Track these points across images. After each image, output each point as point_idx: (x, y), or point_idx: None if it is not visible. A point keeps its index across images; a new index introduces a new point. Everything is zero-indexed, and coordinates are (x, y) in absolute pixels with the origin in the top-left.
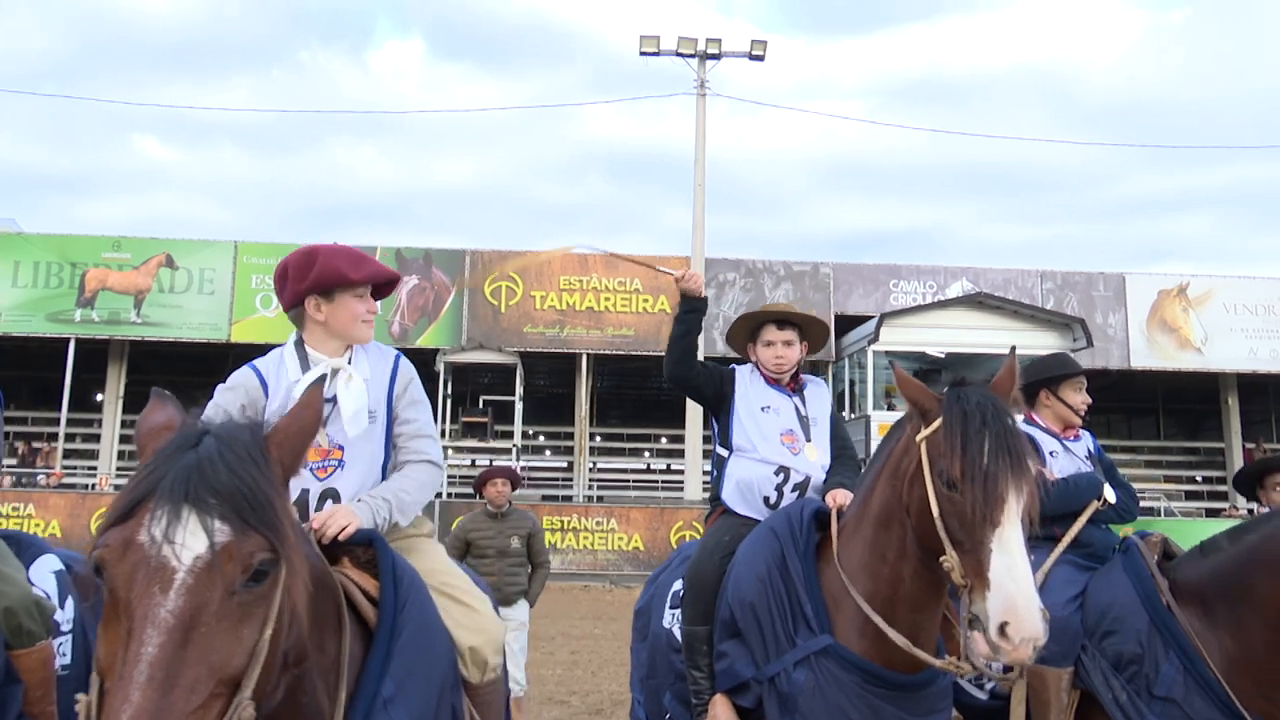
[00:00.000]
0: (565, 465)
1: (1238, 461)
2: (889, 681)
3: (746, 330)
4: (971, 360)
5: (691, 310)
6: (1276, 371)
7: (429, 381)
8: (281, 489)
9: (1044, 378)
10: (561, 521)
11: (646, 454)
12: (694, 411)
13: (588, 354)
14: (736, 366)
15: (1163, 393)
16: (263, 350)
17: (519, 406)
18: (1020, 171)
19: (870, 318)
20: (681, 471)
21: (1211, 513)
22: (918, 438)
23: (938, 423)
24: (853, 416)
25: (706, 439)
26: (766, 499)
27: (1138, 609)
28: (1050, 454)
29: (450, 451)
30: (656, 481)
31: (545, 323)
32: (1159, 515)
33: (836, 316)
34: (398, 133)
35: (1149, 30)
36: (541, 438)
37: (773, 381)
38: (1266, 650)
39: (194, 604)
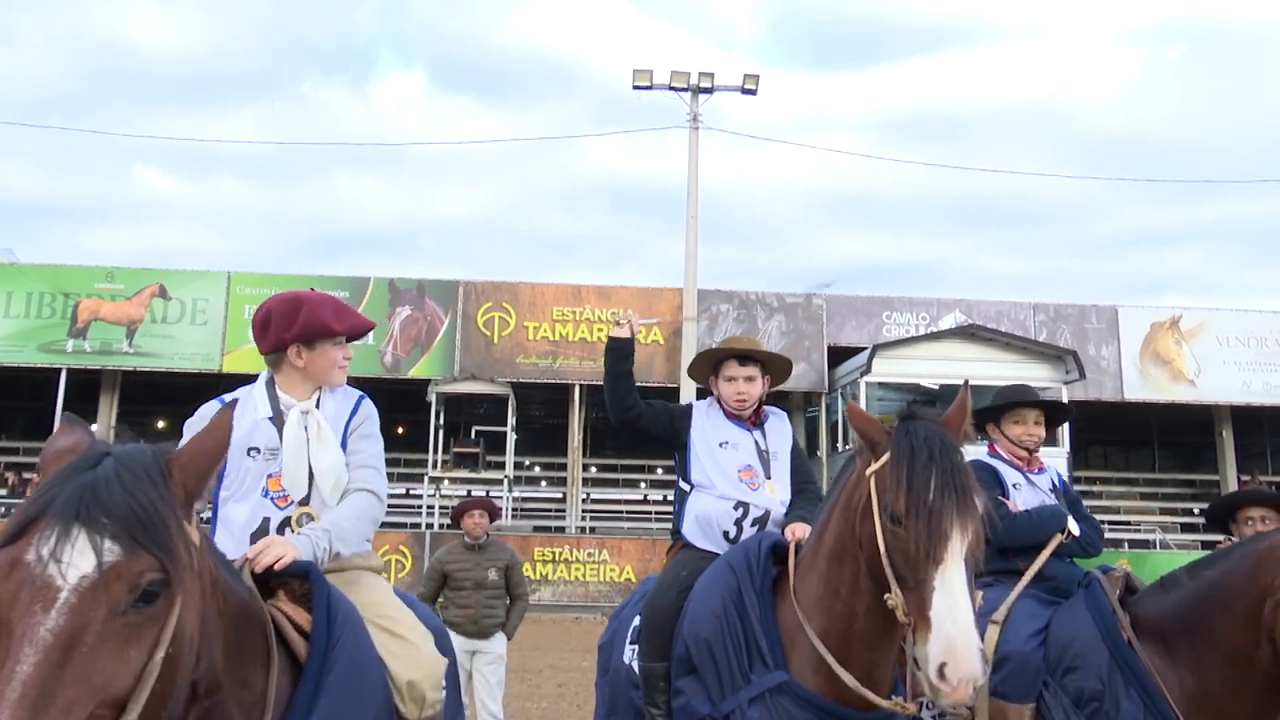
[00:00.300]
0: (559, 496)
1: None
2: (844, 719)
3: (709, 364)
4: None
5: (611, 350)
6: (1270, 404)
7: (421, 412)
8: (180, 510)
9: (985, 408)
10: (553, 553)
11: (642, 485)
12: None
13: (580, 384)
14: (695, 402)
15: (1159, 425)
16: (247, 379)
17: (511, 437)
18: (1017, 205)
19: (863, 349)
20: (668, 502)
21: (1207, 545)
22: (867, 472)
23: (886, 457)
24: (846, 449)
25: None
26: (726, 534)
27: (1099, 645)
28: (1014, 486)
29: (444, 482)
30: (650, 513)
31: (538, 354)
32: (1155, 547)
33: (829, 348)
34: (400, 165)
35: (1145, 67)
36: (536, 468)
37: (733, 416)
38: (1224, 687)
39: (76, 623)
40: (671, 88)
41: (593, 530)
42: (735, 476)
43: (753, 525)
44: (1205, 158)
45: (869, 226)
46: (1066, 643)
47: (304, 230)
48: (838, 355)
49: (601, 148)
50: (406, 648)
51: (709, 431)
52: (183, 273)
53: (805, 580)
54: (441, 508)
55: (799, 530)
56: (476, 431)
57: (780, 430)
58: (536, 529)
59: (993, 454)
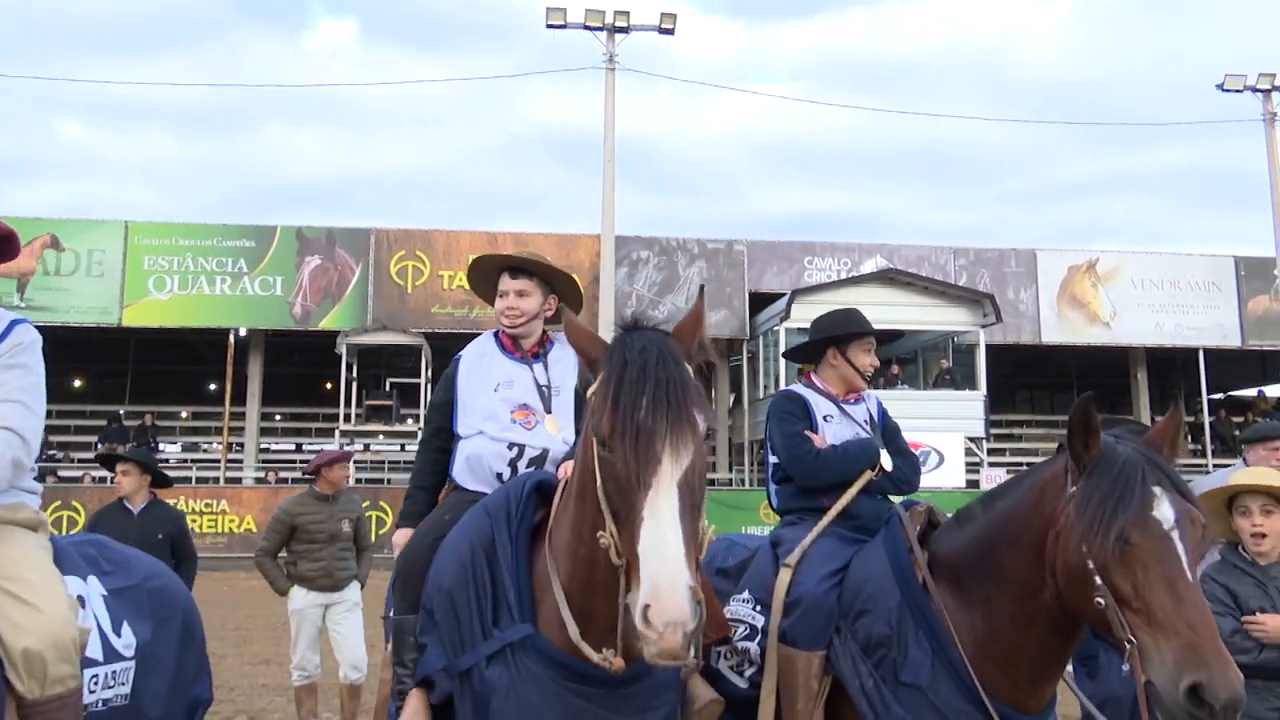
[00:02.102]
0: None
1: None
2: (590, 678)
3: (485, 281)
4: (890, 336)
5: None
6: (1182, 345)
7: (332, 366)
8: None
9: (832, 335)
10: None
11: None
12: None
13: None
14: (468, 347)
15: (1078, 368)
16: (158, 334)
17: (425, 389)
18: (956, 155)
19: (784, 295)
20: None
21: None
22: (589, 393)
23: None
24: (769, 394)
25: None
26: (499, 475)
27: (890, 586)
28: (825, 418)
29: (355, 437)
30: None
31: (454, 303)
32: None
33: (751, 294)
34: (335, 115)
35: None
36: None
37: (511, 350)
38: (1012, 627)
39: None
40: (586, 27)
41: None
42: (508, 420)
43: (529, 466)
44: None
45: (808, 176)
46: (860, 584)
47: (238, 184)
48: (760, 301)
49: (543, 99)
50: (29, 613)
51: (482, 375)
52: (76, 222)
53: (559, 523)
54: (356, 463)
55: (569, 468)
56: (391, 384)
57: (564, 362)
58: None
59: (808, 383)
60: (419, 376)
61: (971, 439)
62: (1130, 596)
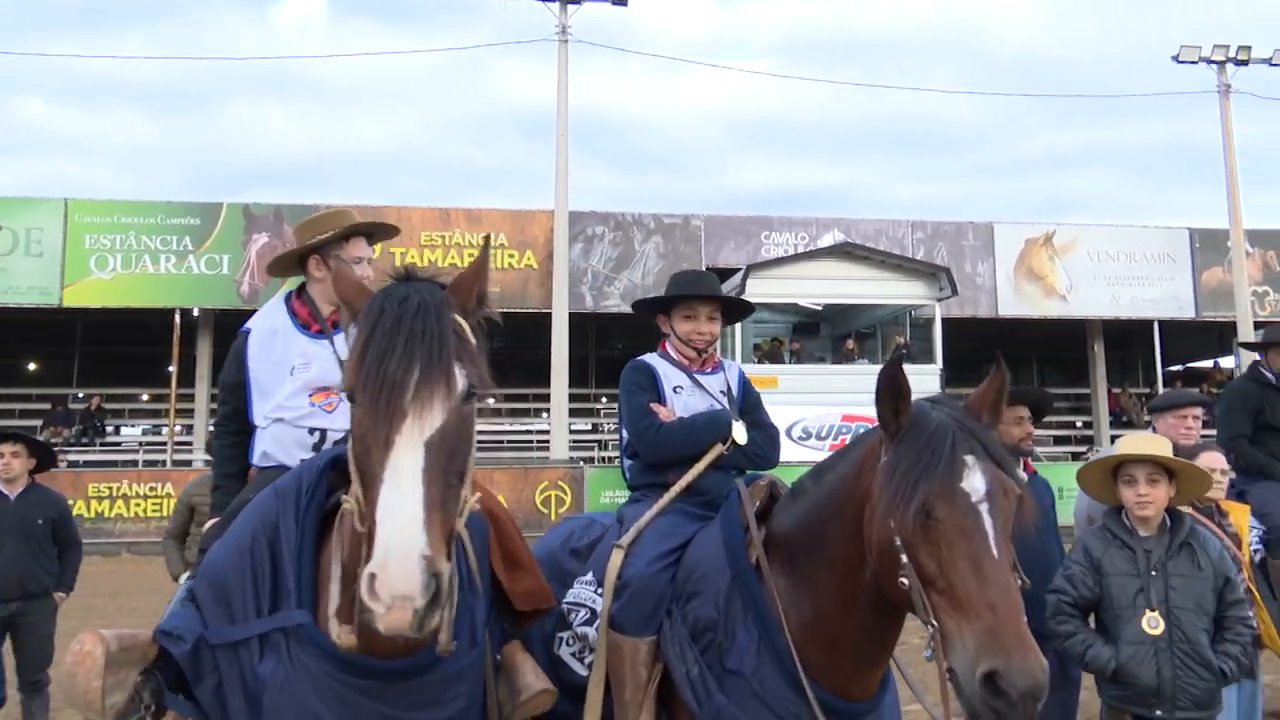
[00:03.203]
0: None
1: (1103, 406)
2: (369, 670)
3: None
4: (848, 311)
5: None
6: (1138, 318)
7: None
8: None
9: (656, 301)
10: None
11: (531, 414)
12: (560, 367)
13: None
14: (254, 325)
15: (1038, 341)
16: (108, 314)
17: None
18: (930, 129)
19: (741, 270)
20: (548, 431)
21: (1076, 456)
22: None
23: None
24: None
25: (573, 398)
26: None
27: (722, 567)
28: (675, 389)
29: None
30: (531, 442)
31: None
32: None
33: (708, 269)
34: (304, 93)
35: None
36: None
37: (307, 322)
38: (836, 610)
39: None
40: None
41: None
42: (306, 404)
43: None
44: (1111, 80)
45: (782, 152)
46: (693, 565)
47: (206, 163)
48: (717, 277)
49: (515, 76)
50: None
51: (276, 356)
52: (13, 200)
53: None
54: None
55: None
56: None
57: None
58: None
59: (662, 353)
60: None
61: None
62: (935, 576)
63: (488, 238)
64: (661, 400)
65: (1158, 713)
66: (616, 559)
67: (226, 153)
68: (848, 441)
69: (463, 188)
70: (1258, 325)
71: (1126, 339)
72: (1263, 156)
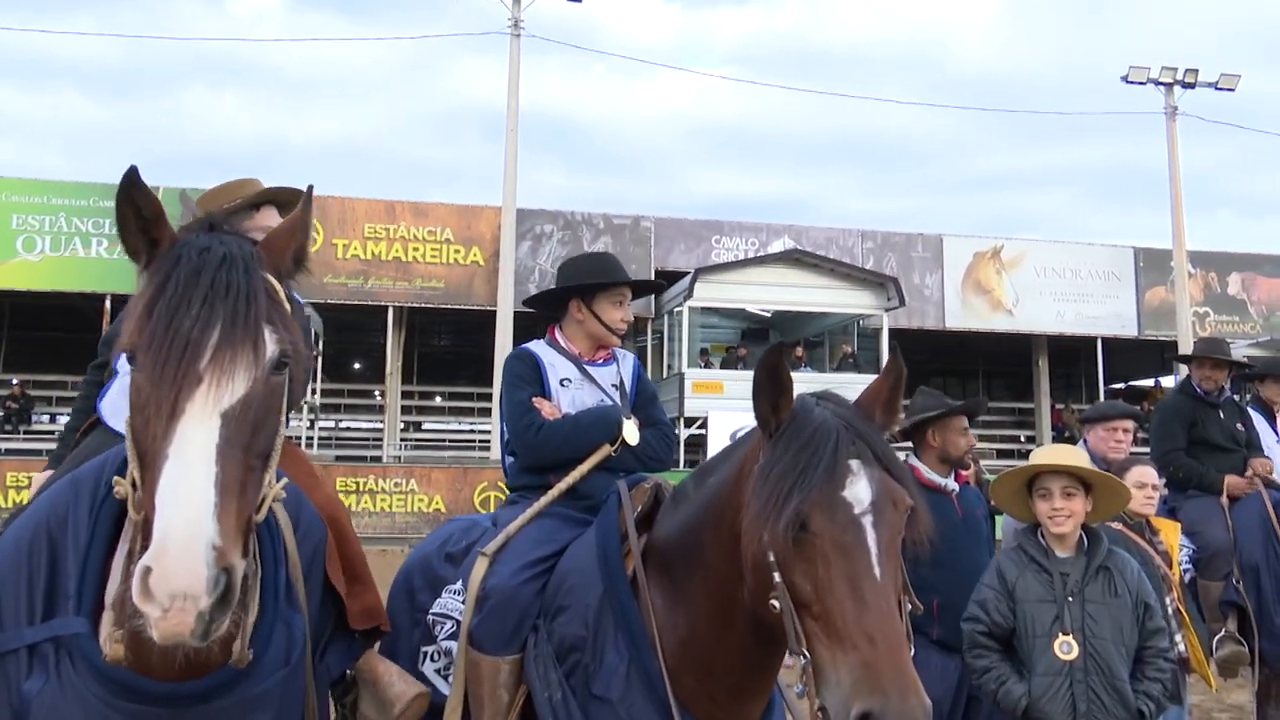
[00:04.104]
0: (379, 425)
1: (1046, 421)
2: (147, 694)
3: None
4: (797, 318)
5: None
6: (1082, 334)
7: None
8: None
9: (575, 285)
10: (358, 483)
11: (476, 414)
12: (500, 366)
13: (395, 306)
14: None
15: (985, 355)
16: (28, 298)
17: (313, 363)
18: (889, 143)
19: (690, 274)
20: (488, 431)
21: None
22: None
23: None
24: (668, 375)
25: None
26: None
27: (593, 579)
28: (561, 382)
29: None
30: (474, 443)
31: (348, 273)
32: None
33: (657, 271)
34: (260, 82)
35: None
36: (347, 395)
37: None
38: (710, 632)
39: None
40: None
41: (399, 460)
42: None
43: None
44: (1068, 99)
45: (741, 161)
46: (564, 576)
47: (155, 149)
48: (667, 280)
49: (475, 72)
50: None
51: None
52: None
53: None
54: None
55: None
56: None
57: None
58: (339, 459)
59: (550, 340)
60: (313, 350)
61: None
62: (810, 599)
63: (310, 188)
64: (546, 394)
65: None
66: (480, 567)
67: (177, 140)
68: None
69: (419, 185)
70: None
71: (1071, 355)
72: (1208, 180)
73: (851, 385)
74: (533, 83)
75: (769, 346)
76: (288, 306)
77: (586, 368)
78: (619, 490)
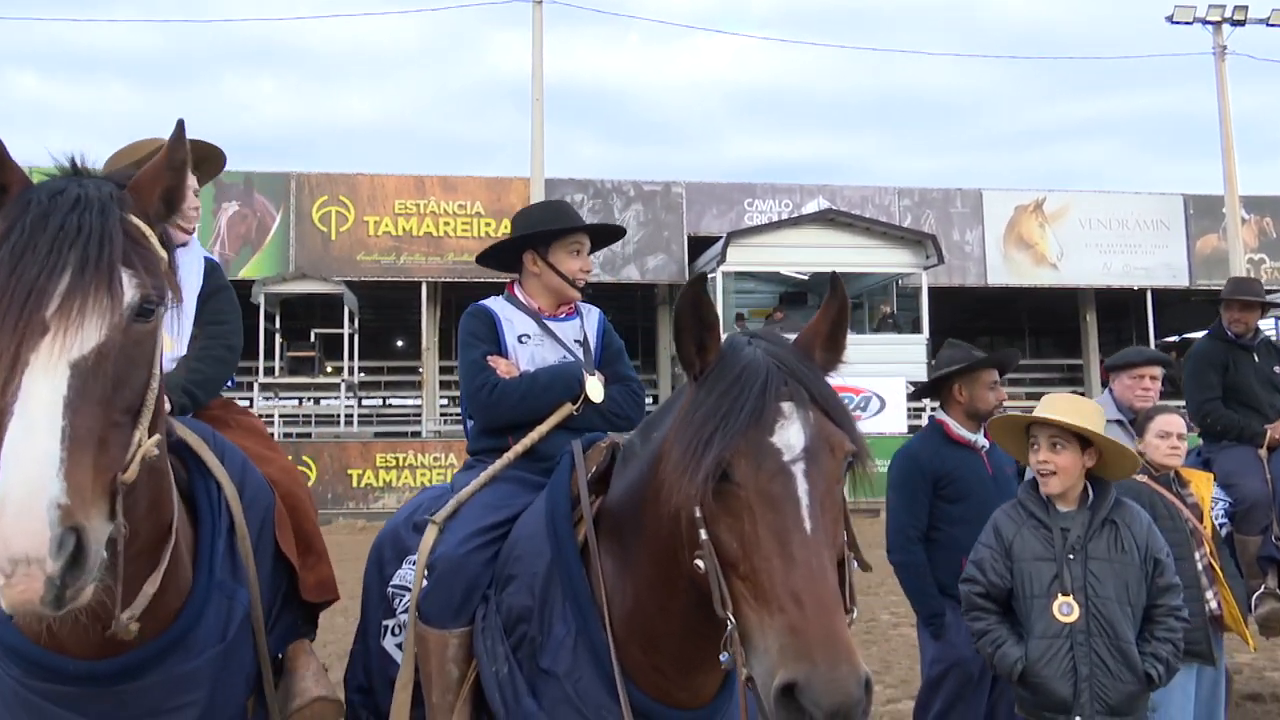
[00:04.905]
0: (419, 402)
1: (1096, 377)
2: (63, 674)
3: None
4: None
5: None
6: (1129, 286)
7: (250, 316)
8: None
9: (527, 236)
10: (397, 459)
11: None
12: None
13: (428, 282)
14: None
15: (1030, 311)
16: None
17: (349, 340)
18: (928, 101)
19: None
20: None
21: None
22: None
23: None
24: None
25: None
26: None
27: (542, 545)
28: (520, 339)
29: (276, 390)
30: None
31: (380, 250)
32: None
33: (690, 238)
34: (296, 66)
35: None
36: (387, 373)
37: None
38: (653, 599)
39: None
40: None
41: (439, 435)
42: None
43: None
44: (1113, 50)
45: (779, 124)
46: (514, 543)
47: (196, 135)
48: (699, 245)
49: (508, 47)
50: None
51: None
52: None
53: None
54: (283, 416)
55: None
56: (315, 334)
57: (186, 266)
58: (378, 435)
59: (509, 296)
60: (342, 327)
61: (914, 384)
62: (737, 557)
63: (180, 122)
64: (502, 351)
65: (1077, 718)
66: (430, 536)
67: (218, 125)
68: None
69: (456, 161)
70: None
71: (1120, 308)
72: (1260, 125)
73: (891, 345)
74: (567, 54)
75: (690, 279)
76: (160, 251)
77: (547, 322)
78: (572, 450)
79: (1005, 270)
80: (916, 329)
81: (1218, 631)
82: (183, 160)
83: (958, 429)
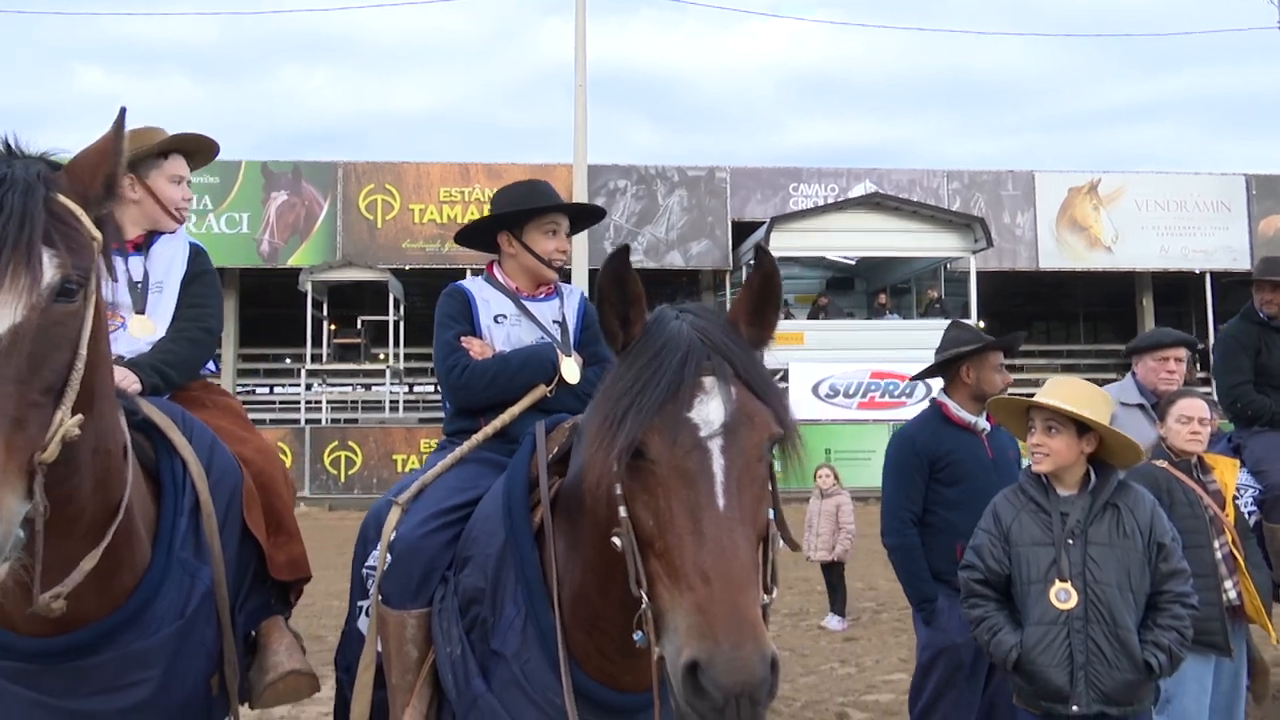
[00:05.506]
0: None
1: None
2: (12, 649)
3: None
4: (882, 265)
5: None
6: (1188, 269)
7: (298, 307)
8: None
9: (499, 215)
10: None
11: None
12: None
13: (472, 269)
14: None
15: (1084, 296)
16: None
17: (394, 327)
18: (987, 84)
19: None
20: None
21: None
22: None
23: None
24: None
25: None
26: None
27: (497, 526)
28: (496, 319)
29: (324, 377)
30: None
31: (426, 238)
32: None
33: (734, 223)
34: (351, 56)
35: None
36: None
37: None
38: (594, 580)
39: None
40: None
41: None
42: None
43: None
44: (1174, 23)
45: (831, 109)
46: (473, 525)
47: (253, 126)
48: (744, 231)
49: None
50: None
51: None
52: None
53: None
54: (331, 402)
55: None
56: (362, 322)
57: (171, 253)
58: (422, 421)
59: (488, 277)
60: (388, 314)
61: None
62: (652, 535)
63: (122, 109)
64: (476, 332)
65: (1075, 708)
66: (393, 517)
67: (276, 118)
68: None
69: (508, 151)
70: None
71: (1178, 293)
72: None
73: (939, 331)
74: (620, 41)
75: (614, 249)
76: (92, 232)
77: (524, 303)
78: (534, 431)
79: (1058, 254)
80: (965, 314)
81: (1238, 622)
82: (121, 148)
83: (958, 411)
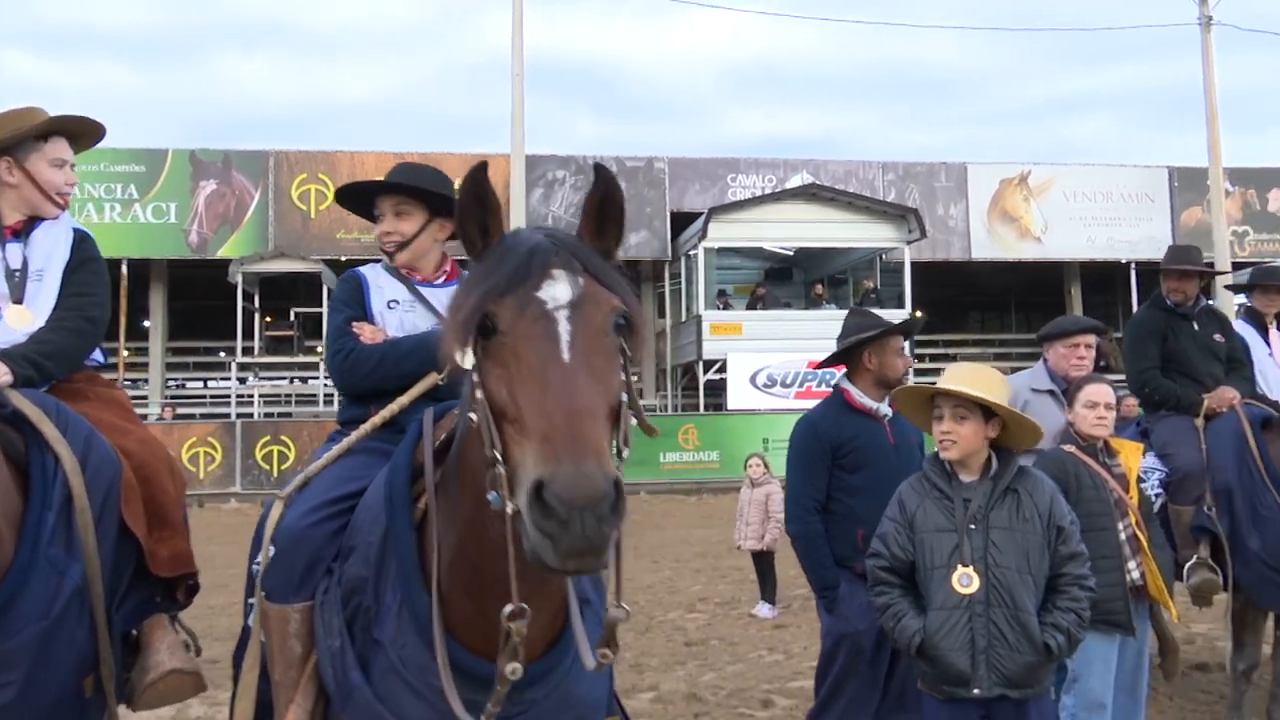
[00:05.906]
0: None
1: None
2: None
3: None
4: (820, 255)
5: None
6: (1114, 259)
7: (229, 299)
8: None
9: (366, 184)
10: None
11: None
12: None
13: None
14: None
15: (1014, 286)
16: None
17: (328, 319)
18: (925, 76)
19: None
20: None
21: None
22: None
23: None
24: (686, 318)
25: None
26: None
27: (379, 514)
28: (389, 304)
29: (256, 370)
30: None
31: (361, 228)
32: None
33: (673, 214)
34: (291, 44)
35: None
36: None
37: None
38: (471, 532)
39: None
40: None
41: None
42: None
43: None
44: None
45: (771, 100)
46: (359, 513)
47: (188, 114)
48: (682, 221)
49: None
50: None
51: None
52: None
53: None
54: (263, 396)
55: None
56: (295, 314)
57: (54, 238)
58: None
59: (387, 263)
60: (322, 305)
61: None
62: (505, 401)
63: None
64: (368, 316)
65: (976, 691)
66: (275, 513)
67: (213, 105)
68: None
69: (449, 139)
70: (1236, 266)
71: (1105, 282)
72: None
73: None
74: (561, 31)
75: (474, 167)
76: None
77: (420, 288)
78: (421, 420)
79: (989, 244)
80: (900, 304)
81: (1141, 602)
82: None
83: (860, 397)
